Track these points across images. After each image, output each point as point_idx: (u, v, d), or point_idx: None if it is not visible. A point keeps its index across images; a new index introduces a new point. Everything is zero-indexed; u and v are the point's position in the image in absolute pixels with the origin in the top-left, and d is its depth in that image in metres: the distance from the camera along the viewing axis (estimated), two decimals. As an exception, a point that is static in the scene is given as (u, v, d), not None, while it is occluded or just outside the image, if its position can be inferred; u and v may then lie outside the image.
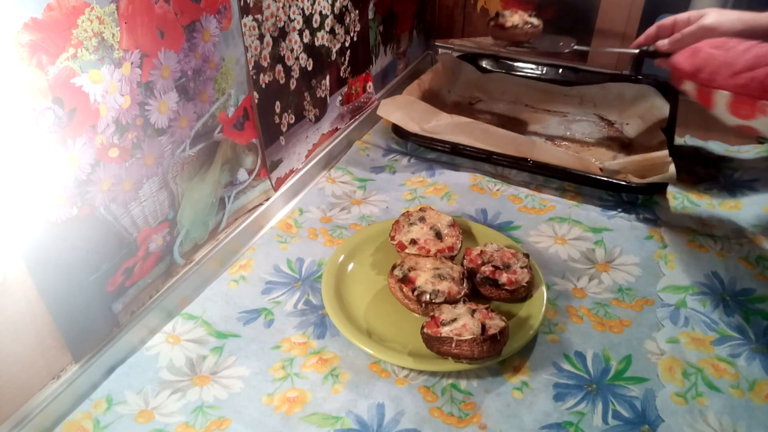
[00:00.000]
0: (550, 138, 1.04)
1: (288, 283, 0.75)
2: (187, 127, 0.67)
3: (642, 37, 0.91)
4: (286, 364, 0.64)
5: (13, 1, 0.46)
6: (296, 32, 0.83)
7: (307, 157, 0.94)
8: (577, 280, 0.74)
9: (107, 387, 0.61)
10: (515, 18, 1.02)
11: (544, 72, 1.18)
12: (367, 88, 1.08)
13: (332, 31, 0.92)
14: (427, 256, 0.71)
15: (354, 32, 0.98)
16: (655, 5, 1.14)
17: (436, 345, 0.61)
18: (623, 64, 1.17)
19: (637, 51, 0.92)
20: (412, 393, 0.61)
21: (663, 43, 0.86)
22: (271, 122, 0.83)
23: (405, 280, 0.67)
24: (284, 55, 0.82)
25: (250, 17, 0.73)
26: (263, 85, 0.79)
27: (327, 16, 0.89)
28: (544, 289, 0.69)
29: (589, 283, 0.74)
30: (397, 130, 1.00)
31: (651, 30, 0.89)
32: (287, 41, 0.82)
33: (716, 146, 1.00)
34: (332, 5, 0.89)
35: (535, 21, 1.02)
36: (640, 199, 0.88)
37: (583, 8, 1.17)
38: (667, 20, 0.87)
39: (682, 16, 0.85)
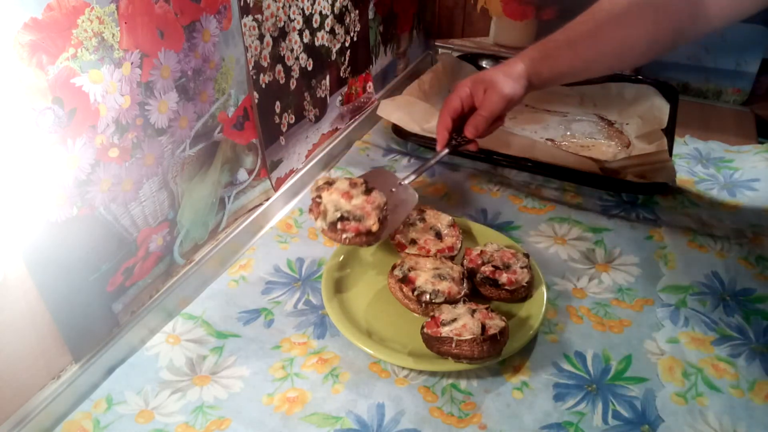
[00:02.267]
0: (550, 138, 1.04)
1: (288, 283, 0.75)
2: (187, 127, 0.67)
3: (441, 135, 0.78)
4: (286, 364, 0.64)
5: (13, 1, 0.46)
6: (296, 32, 0.83)
7: (307, 157, 0.94)
8: (577, 280, 0.74)
9: (107, 387, 0.61)
10: (357, 201, 0.67)
11: (544, 72, 1.18)
12: (367, 88, 1.08)
13: (332, 31, 0.92)
14: (427, 256, 0.71)
15: (354, 32, 0.98)
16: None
17: (436, 345, 0.61)
18: (623, 64, 1.17)
19: (448, 151, 0.79)
20: (412, 393, 0.61)
21: (471, 131, 0.76)
22: (271, 122, 0.83)
23: (405, 280, 0.67)
24: (284, 55, 0.82)
25: (250, 17, 0.73)
26: (263, 85, 0.79)
27: (327, 16, 0.89)
28: (544, 289, 0.69)
29: (589, 283, 0.74)
30: (397, 130, 1.00)
31: (444, 122, 0.77)
32: (287, 41, 0.82)
33: (716, 146, 1.00)
34: (332, 5, 0.89)
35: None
36: (640, 199, 0.88)
37: (582, 9, 1.17)
38: (454, 102, 0.77)
39: (464, 92, 0.76)
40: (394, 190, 0.76)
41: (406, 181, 0.77)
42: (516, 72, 0.75)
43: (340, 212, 0.66)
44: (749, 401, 0.59)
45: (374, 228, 0.66)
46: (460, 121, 0.78)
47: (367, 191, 0.68)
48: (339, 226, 0.66)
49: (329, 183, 0.68)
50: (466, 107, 0.78)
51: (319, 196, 0.67)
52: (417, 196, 0.76)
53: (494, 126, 0.78)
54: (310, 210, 0.69)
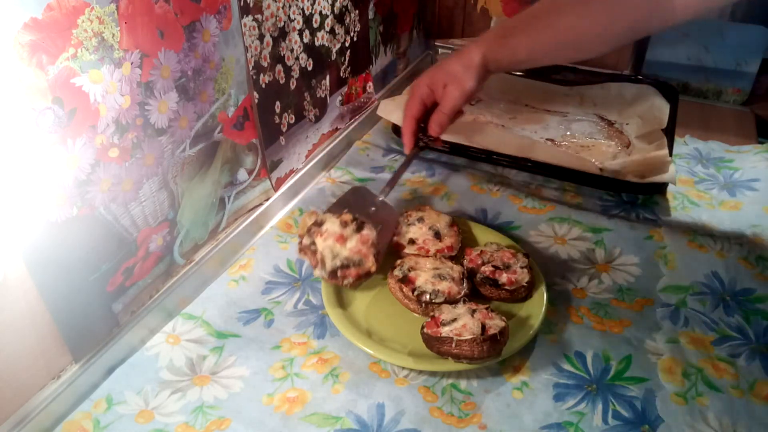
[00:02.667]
0: (550, 138, 1.04)
1: (288, 283, 0.75)
2: (187, 127, 0.67)
3: (408, 139, 0.79)
4: (286, 364, 0.64)
5: (13, 1, 0.46)
6: (296, 32, 0.83)
7: (307, 157, 0.94)
8: (577, 280, 0.74)
9: (107, 387, 0.61)
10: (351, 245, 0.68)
11: (544, 72, 1.18)
12: (367, 88, 1.08)
13: (332, 31, 0.91)
14: (427, 256, 0.71)
15: (354, 32, 0.98)
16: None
17: (436, 345, 0.61)
18: (623, 64, 1.17)
19: (416, 153, 0.81)
20: (412, 393, 0.61)
21: (435, 129, 0.77)
22: (271, 122, 0.83)
23: (405, 280, 0.67)
24: (284, 55, 0.82)
25: (250, 17, 0.73)
26: (263, 85, 0.79)
27: (327, 16, 0.89)
28: (544, 289, 0.69)
29: (589, 283, 0.74)
30: (397, 130, 0.99)
31: (410, 126, 0.78)
32: (287, 41, 0.82)
33: (716, 146, 1.00)
34: (332, 5, 0.89)
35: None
36: (640, 199, 0.88)
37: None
38: (416, 105, 0.77)
39: (425, 91, 0.77)
40: (374, 209, 0.76)
41: (382, 197, 0.77)
42: (475, 62, 0.75)
43: (339, 260, 0.67)
44: (749, 401, 0.59)
45: (373, 269, 0.68)
46: (423, 118, 0.79)
47: (358, 228, 0.68)
48: (339, 273, 0.67)
49: (318, 224, 0.68)
50: (428, 104, 0.78)
51: (314, 243, 0.67)
52: (396, 212, 0.77)
53: (455, 118, 0.79)
54: (302, 251, 0.69)
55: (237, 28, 0.71)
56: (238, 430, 0.57)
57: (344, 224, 0.68)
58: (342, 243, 0.67)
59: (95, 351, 0.62)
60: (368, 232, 0.69)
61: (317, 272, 0.68)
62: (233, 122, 0.74)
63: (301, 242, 0.70)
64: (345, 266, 0.67)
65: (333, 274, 0.67)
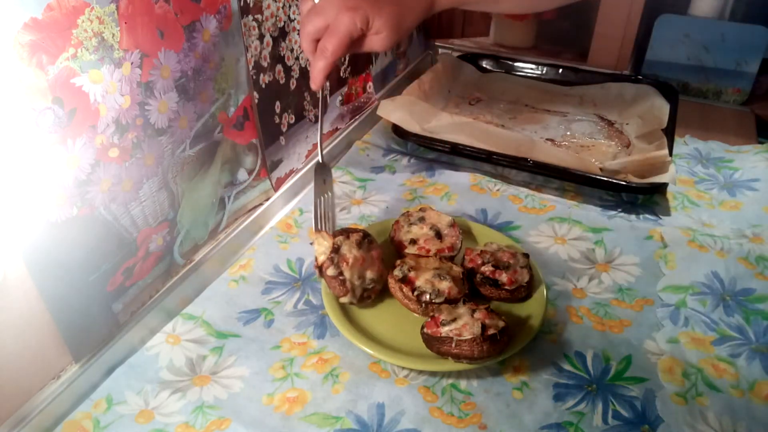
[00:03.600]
0: (550, 138, 1.04)
1: (288, 283, 0.75)
2: (187, 127, 0.67)
3: (323, 79, 0.68)
4: (286, 364, 0.64)
5: (13, 1, 0.46)
6: (296, 32, 0.83)
7: (307, 157, 0.94)
8: (577, 280, 0.74)
9: (107, 387, 0.61)
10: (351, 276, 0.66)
11: (544, 72, 1.18)
12: (367, 88, 1.08)
13: (332, 31, 0.91)
14: (427, 256, 0.71)
15: (354, 32, 0.98)
16: (656, 6, 1.14)
17: (436, 345, 0.61)
18: (623, 64, 1.17)
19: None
20: (412, 393, 0.61)
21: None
22: (271, 122, 0.83)
23: (405, 280, 0.67)
24: (284, 55, 0.82)
25: (250, 17, 0.73)
26: (263, 85, 0.79)
27: (327, 16, 0.89)
28: (544, 289, 0.69)
29: (589, 283, 0.74)
30: (397, 130, 0.99)
31: (330, 68, 0.67)
32: (287, 41, 0.82)
33: (716, 146, 1.00)
34: (332, 5, 0.89)
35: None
36: (640, 199, 0.88)
37: (583, 9, 1.17)
38: (343, 43, 0.66)
39: (355, 28, 0.66)
40: (324, 179, 0.76)
41: (320, 159, 0.78)
42: (419, 4, 0.69)
43: (366, 283, 0.67)
44: (749, 401, 0.59)
45: (387, 278, 0.69)
46: None
47: (370, 243, 0.69)
48: (365, 295, 0.68)
49: (336, 250, 0.67)
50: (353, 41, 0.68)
51: (341, 273, 0.66)
52: (329, 167, 0.77)
53: None
54: (322, 277, 0.67)
55: (237, 28, 0.71)
56: (238, 430, 0.57)
57: (359, 244, 0.68)
58: (365, 266, 0.67)
59: (95, 351, 0.62)
60: (376, 245, 0.70)
61: (345, 299, 0.67)
62: (233, 122, 0.74)
63: (321, 268, 0.68)
64: (370, 288, 0.68)
65: (361, 298, 0.68)
